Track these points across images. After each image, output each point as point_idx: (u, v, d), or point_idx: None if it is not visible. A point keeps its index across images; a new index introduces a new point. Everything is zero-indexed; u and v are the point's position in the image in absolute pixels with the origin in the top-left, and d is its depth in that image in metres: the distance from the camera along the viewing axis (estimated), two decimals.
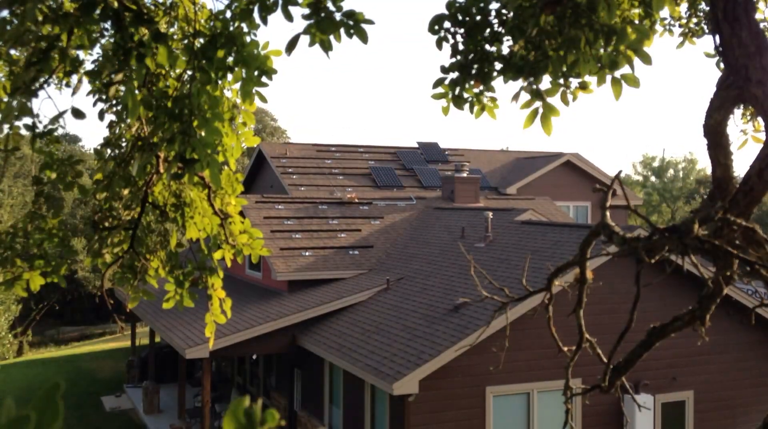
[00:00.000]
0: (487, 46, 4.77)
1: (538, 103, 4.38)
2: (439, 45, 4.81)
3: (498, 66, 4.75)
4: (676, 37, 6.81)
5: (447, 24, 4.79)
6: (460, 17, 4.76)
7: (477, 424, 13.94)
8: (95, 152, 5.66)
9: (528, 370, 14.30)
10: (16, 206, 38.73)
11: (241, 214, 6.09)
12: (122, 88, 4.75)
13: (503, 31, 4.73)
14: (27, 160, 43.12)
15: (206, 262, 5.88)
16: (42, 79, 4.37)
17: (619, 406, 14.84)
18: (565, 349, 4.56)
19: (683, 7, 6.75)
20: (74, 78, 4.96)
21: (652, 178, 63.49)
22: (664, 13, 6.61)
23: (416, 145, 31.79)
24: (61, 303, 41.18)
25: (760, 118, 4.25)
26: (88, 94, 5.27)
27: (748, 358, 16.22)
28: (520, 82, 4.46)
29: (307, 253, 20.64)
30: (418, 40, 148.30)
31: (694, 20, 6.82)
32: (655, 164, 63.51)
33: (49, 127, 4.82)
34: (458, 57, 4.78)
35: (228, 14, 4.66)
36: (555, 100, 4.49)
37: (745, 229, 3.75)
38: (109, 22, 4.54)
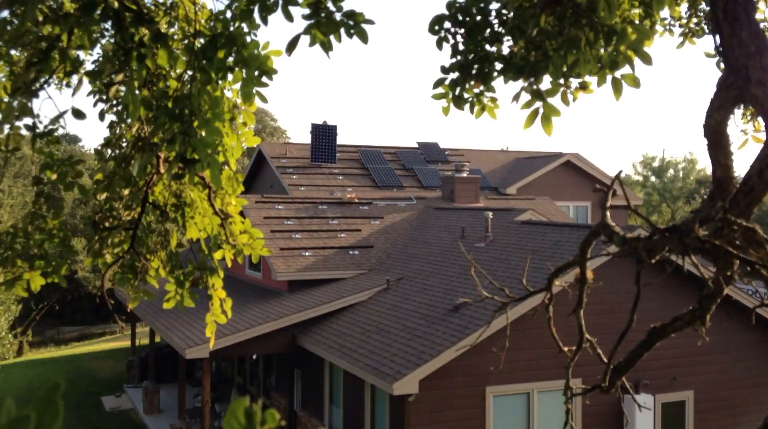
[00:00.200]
0: (488, 47, 4.77)
1: (538, 104, 4.38)
2: (439, 45, 4.81)
3: (498, 66, 4.75)
4: (676, 37, 6.82)
5: (447, 24, 4.78)
6: (460, 17, 4.76)
7: (477, 424, 13.94)
8: (96, 152, 5.66)
9: (528, 370, 14.30)
10: (16, 206, 38.73)
11: (242, 214, 6.10)
12: (123, 88, 4.75)
13: (503, 31, 4.73)
14: (27, 160, 43.15)
15: (207, 262, 5.88)
16: (42, 80, 4.37)
17: (619, 406, 14.85)
18: (566, 349, 4.56)
19: (683, 7, 6.75)
20: (74, 78, 4.96)
21: (652, 178, 63.49)
22: (665, 13, 6.61)
23: (416, 145, 31.79)
24: (61, 303, 41.18)
25: (760, 118, 4.25)
26: (89, 94, 5.27)
27: (748, 358, 16.22)
28: (521, 83, 4.46)
29: (307, 253, 20.64)
30: (418, 40, 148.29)
31: (694, 20, 6.82)
32: (655, 164, 63.51)
33: (50, 127, 4.83)
34: (458, 57, 4.78)
35: (228, 14, 4.66)
36: (555, 101, 4.50)
37: (746, 229, 3.75)
38: (109, 23, 4.54)
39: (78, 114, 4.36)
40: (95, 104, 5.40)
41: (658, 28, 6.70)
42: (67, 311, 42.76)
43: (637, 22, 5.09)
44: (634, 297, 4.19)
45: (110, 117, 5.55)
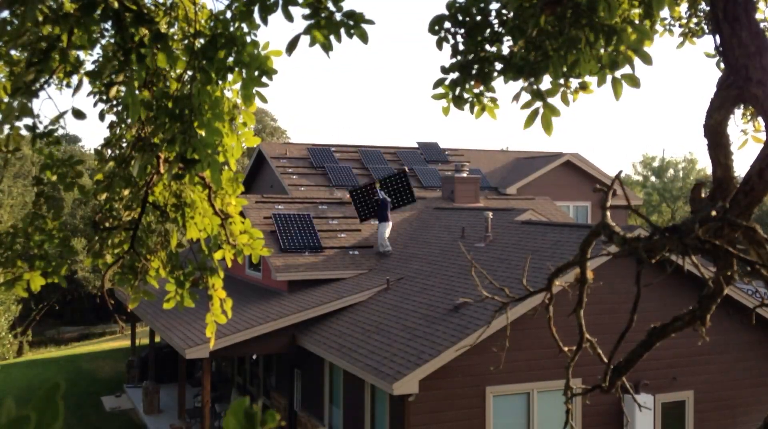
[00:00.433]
0: (488, 47, 4.76)
1: (538, 104, 4.38)
2: (439, 45, 4.81)
3: (498, 66, 4.75)
4: (676, 37, 6.82)
5: (447, 24, 4.78)
6: (460, 17, 4.76)
7: (477, 424, 13.94)
8: (96, 153, 5.66)
9: (528, 370, 14.30)
10: (16, 206, 38.74)
11: (242, 214, 6.10)
12: (123, 88, 4.75)
13: (503, 31, 4.73)
14: (27, 160, 43.16)
15: (207, 263, 5.88)
16: (42, 80, 4.37)
17: (619, 406, 14.85)
18: (566, 349, 4.56)
19: (683, 7, 6.75)
20: (74, 78, 4.97)
21: (652, 178, 63.48)
22: (665, 13, 6.62)
23: (416, 145, 31.80)
24: (61, 303, 41.18)
25: (760, 118, 4.25)
26: (89, 94, 5.27)
27: (748, 358, 16.22)
28: (521, 83, 4.46)
29: (307, 253, 20.65)
30: (418, 41, 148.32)
31: (694, 20, 6.82)
32: (655, 164, 63.51)
33: (50, 127, 4.83)
34: (458, 57, 4.78)
35: (228, 14, 4.66)
36: (555, 101, 4.49)
37: (746, 229, 3.75)
38: (109, 23, 4.54)
39: (78, 114, 4.36)
40: (95, 104, 5.41)
41: (658, 28, 6.70)
42: (67, 311, 42.76)
43: (637, 22, 5.09)
44: (634, 297, 4.19)
45: (110, 117, 5.55)
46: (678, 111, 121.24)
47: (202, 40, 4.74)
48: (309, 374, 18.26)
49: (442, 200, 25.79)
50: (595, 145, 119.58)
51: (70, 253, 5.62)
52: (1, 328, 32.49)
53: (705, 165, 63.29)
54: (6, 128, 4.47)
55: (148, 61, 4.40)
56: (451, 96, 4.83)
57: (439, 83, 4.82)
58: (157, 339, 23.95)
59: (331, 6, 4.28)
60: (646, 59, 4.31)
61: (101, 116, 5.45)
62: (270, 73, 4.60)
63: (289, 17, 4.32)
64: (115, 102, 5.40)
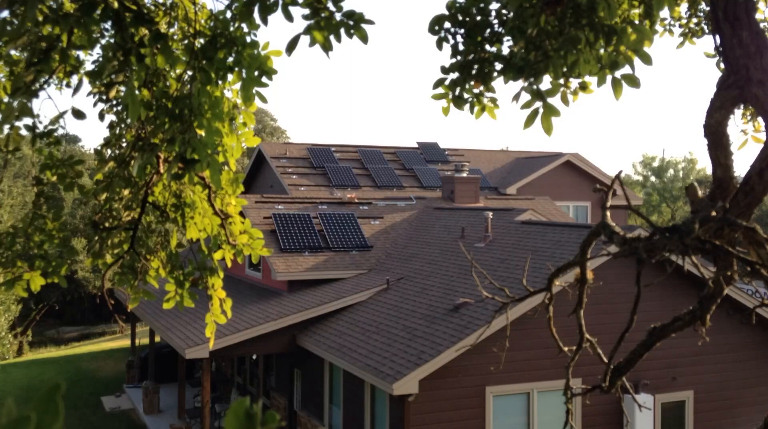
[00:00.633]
0: (488, 47, 4.76)
1: (538, 104, 4.38)
2: (439, 45, 4.81)
3: (498, 66, 4.75)
4: (676, 38, 6.82)
5: (447, 24, 4.78)
6: (460, 17, 4.76)
7: (477, 424, 13.93)
8: (95, 153, 5.66)
9: (528, 370, 14.30)
10: (16, 206, 38.74)
11: (241, 214, 6.09)
12: (122, 88, 4.75)
13: (503, 31, 4.73)
14: (27, 160, 43.15)
15: (206, 263, 5.88)
16: (42, 80, 4.37)
17: (619, 406, 14.84)
18: (566, 349, 4.56)
19: (683, 8, 6.76)
20: (74, 78, 4.96)
21: (652, 178, 63.49)
22: (665, 13, 6.62)
23: (416, 145, 31.80)
24: (61, 303, 41.19)
25: (760, 118, 4.25)
26: (89, 94, 5.27)
27: (748, 358, 16.22)
28: (521, 83, 4.46)
29: (306, 253, 20.65)
30: (418, 41, 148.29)
31: (695, 20, 6.83)
32: (655, 164, 63.51)
33: (50, 127, 4.83)
34: (458, 57, 4.78)
35: (228, 14, 4.66)
36: (555, 101, 4.49)
37: (746, 230, 3.75)
38: (109, 23, 4.53)
39: (78, 114, 4.36)
40: (95, 104, 5.41)
41: (658, 28, 6.70)
42: (67, 311, 42.78)
43: (637, 22, 5.09)
44: (634, 297, 4.19)
45: (110, 117, 5.55)
46: (678, 111, 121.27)
47: (202, 40, 4.74)
48: (309, 374, 18.26)
49: (442, 200, 25.80)
50: (595, 145, 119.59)
51: (70, 253, 5.62)
52: (1, 328, 32.49)
53: (705, 165, 63.35)
54: (6, 128, 4.47)
55: (148, 61, 4.40)
56: (451, 96, 4.83)
57: (439, 83, 4.82)
58: (157, 339, 23.95)
59: (331, 6, 4.28)
60: (646, 59, 4.31)
61: (101, 116, 5.45)
62: (270, 73, 4.60)
63: (289, 17, 4.32)
64: (114, 102, 5.40)
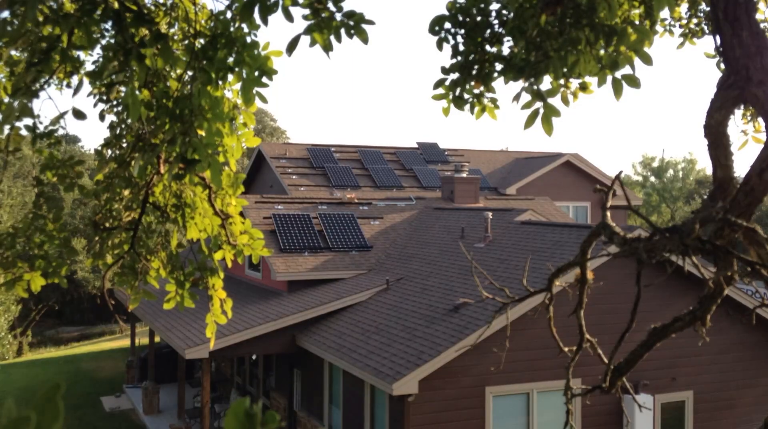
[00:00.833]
0: (488, 47, 4.77)
1: (538, 104, 4.38)
2: (439, 46, 4.81)
3: (498, 67, 4.75)
4: (676, 38, 6.82)
5: (447, 25, 4.78)
6: (460, 18, 4.76)
7: (477, 424, 13.93)
8: (96, 153, 5.66)
9: (528, 370, 14.30)
10: (16, 207, 38.74)
11: (241, 214, 6.09)
12: (123, 88, 4.75)
13: (504, 31, 4.73)
14: (27, 161, 43.16)
15: (207, 263, 5.88)
16: (43, 80, 4.37)
17: (619, 406, 14.84)
18: (566, 349, 4.56)
19: (683, 8, 6.76)
20: (75, 79, 4.96)
21: (652, 179, 63.49)
22: (665, 13, 6.62)
23: (416, 146, 31.81)
24: (60, 303, 41.19)
25: (760, 119, 4.25)
26: (89, 94, 5.27)
27: (748, 358, 16.22)
28: (521, 83, 4.46)
29: (306, 254, 20.65)
30: (418, 41, 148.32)
31: (695, 21, 6.83)
32: (655, 164, 63.52)
33: (50, 127, 4.83)
34: (459, 58, 4.78)
35: (228, 15, 4.66)
36: (555, 101, 4.49)
37: (746, 230, 3.75)
38: (109, 23, 4.53)
39: (78, 114, 4.36)
40: (95, 105, 5.40)
41: (659, 28, 6.71)
42: (67, 311, 42.77)
43: (637, 22, 5.09)
44: (634, 297, 4.19)
45: (110, 117, 5.55)
46: (678, 111, 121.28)
47: (202, 41, 4.74)
48: (309, 374, 18.26)
49: (442, 200, 25.80)
50: (595, 146, 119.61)
51: (70, 253, 5.62)
52: (1, 328, 32.48)
53: (705, 165, 63.36)
54: (6, 128, 4.47)
55: (148, 62, 4.40)
56: (451, 96, 4.83)
57: (439, 84, 4.82)
58: (157, 339, 23.95)
59: (331, 6, 4.28)
60: (647, 60, 4.31)
61: (101, 116, 5.45)
62: (270, 73, 4.60)
63: (290, 17, 4.32)
64: (115, 102, 5.40)
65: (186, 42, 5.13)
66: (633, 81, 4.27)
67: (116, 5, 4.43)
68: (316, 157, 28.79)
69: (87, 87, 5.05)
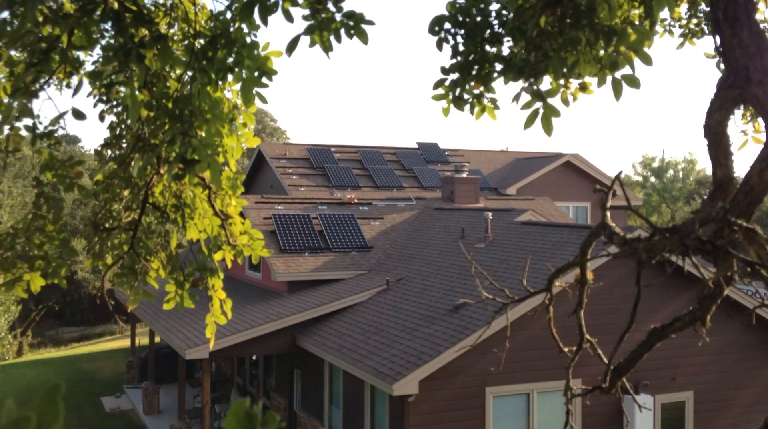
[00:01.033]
0: (488, 47, 4.77)
1: (538, 104, 4.38)
2: (439, 46, 4.81)
3: (498, 67, 4.75)
4: (676, 38, 6.82)
5: (447, 25, 4.78)
6: (460, 18, 4.76)
7: (477, 424, 13.93)
8: (96, 153, 5.66)
9: (528, 370, 14.30)
10: (15, 207, 38.74)
11: (241, 214, 6.10)
12: (123, 89, 4.75)
13: (504, 32, 4.73)
14: (27, 161, 43.16)
15: (207, 263, 5.88)
16: (42, 80, 4.37)
17: (619, 407, 14.84)
18: (566, 349, 4.56)
19: (683, 8, 6.76)
20: (74, 79, 4.96)
21: (652, 179, 63.50)
22: (665, 14, 6.62)
23: (416, 146, 31.80)
24: (60, 303, 41.19)
25: (760, 119, 4.25)
26: (89, 95, 5.27)
27: (748, 358, 16.22)
28: (521, 83, 4.46)
29: (306, 254, 20.65)
30: (418, 41, 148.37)
31: (694, 21, 6.83)
32: (655, 165, 63.53)
33: (50, 128, 4.83)
34: (458, 58, 4.78)
35: (228, 15, 4.66)
36: (555, 101, 4.49)
37: (746, 230, 3.75)
38: (109, 23, 4.53)
39: (78, 115, 4.36)
40: (95, 105, 5.40)
41: (658, 28, 6.71)
42: (67, 312, 42.76)
43: (637, 22, 5.09)
44: (634, 297, 4.19)
45: (110, 118, 5.55)
46: (678, 111, 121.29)
47: (202, 41, 4.74)
48: (309, 375, 18.26)
49: (442, 201, 25.81)
50: (595, 146, 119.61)
51: (70, 253, 5.62)
52: (1, 329, 32.48)
53: (705, 165, 63.36)
54: (6, 129, 4.47)
55: (148, 62, 4.40)
56: (451, 97, 4.83)
57: (439, 84, 4.82)
58: (157, 339, 23.95)
59: (331, 7, 4.28)
60: (646, 60, 4.31)
61: (101, 117, 5.45)
62: (270, 73, 4.60)
63: (289, 18, 4.32)
64: (115, 103, 5.40)
65: (186, 42, 5.13)
66: (633, 81, 4.27)
67: (116, 5, 4.43)
68: (316, 158, 28.79)
69: (87, 87, 5.05)
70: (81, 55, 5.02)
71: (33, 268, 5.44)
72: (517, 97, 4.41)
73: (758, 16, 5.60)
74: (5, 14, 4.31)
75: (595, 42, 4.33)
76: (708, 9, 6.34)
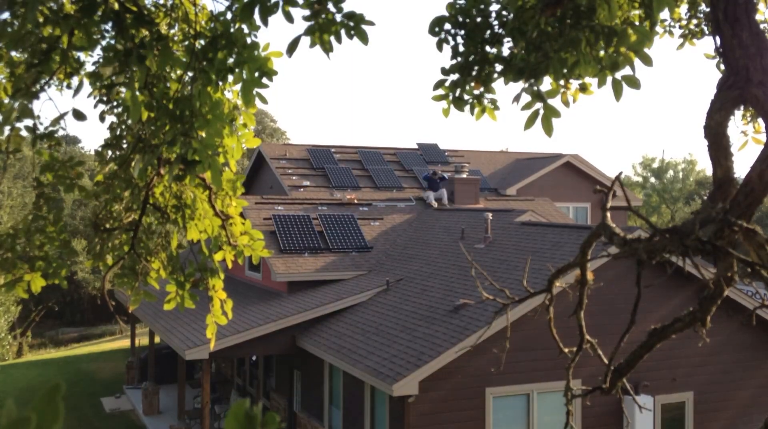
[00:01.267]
0: (488, 48, 4.77)
1: (538, 105, 4.38)
2: (439, 47, 4.81)
3: (498, 68, 4.75)
4: (676, 39, 6.82)
5: (447, 26, 4.79)
6: (460, 19, 4.76)
7: (477, 425, 13.93)
8: (96, 154, 5.66)
9: (528, 371, 14.30)
10: (15, 207, 38.75)
11: (242, 215, 6.10)
12: (123, 89, 4.75)
13: (504, 32, 4.73)
14: (27, 161, 43.16)
15: (207, 264, 5.88)
16: (43, 81, 4.37)
17: (619, 407, 14.84)
18: (566, 350, 4.56)
19: (683, 9, 6.76)
20: (75, 80, 4.96)
21: (652, 179, 63.50)
22: (665, 14, 6.62)
23: (416, 147, 31.80)
24: (60, 304, 41.19)
25: (760, 120, 4.26)
26: (89, 95, 5.27)
27: (748, 359, 16.22)
28: (521, 84, 4.46)
29: (306, 254, 20.65)
30: (418, 42, 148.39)
31: (694, 22, 6.83)
32: (655, 165, 63.52)
33: (50, 128, 4.83)
34: (459, 59, 4.78)
35: (228, 15, 4.67)
36: (555, 102, 4.49)
37: (746, 231, 3.75)
38: (109, 24, 4.54)
39: (79, 115, 4.37)
40: (96, 106, 5.40)
41: (658, 29, 6.71)
42: (67, 312, 42.76)
43: (637, 23, 5.09)
44: (634, 298, 4.19)
45: (111, 118, 5.55)
46: (678, 112, 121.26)
47: (202, 42, 4.74)
48: (309, 375, 18.26)
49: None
50: (595, 146, 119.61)
51: (70, 254, 5.62)
52: (1, 329, 32.48)
53: (705, 166, 63.35)
54: (6, 129, 4.47)
55: (148, 63, 4.40)
56: (451, 97, 4.83)
57: (439, 85, 4.82)
58: (157, 340, 23.95)
59: (331, 7, 4.28)
60: (647, 60, 4.31)
61: (101, 118, 5.45)
62: (270, 74, 4.60)
63: (290, 18, 4.32)
64: (115, 103, 5.40)
65: (186, 43, 5.13)
66: (633, 82, 4.27)
67: (116, 6, 4.44)
68: (316, 158, 28.79)
69: (87, 88, 5.05)
70: (81, 55, 5.02)
71: (33, 268, 5.44)
72: (517, 98, 4.41)
73: (758, 17, 5.60)
74: (6, 15, 4.31)
75: (595, 43, 4.33)
76: (708, 9, 6.34)
